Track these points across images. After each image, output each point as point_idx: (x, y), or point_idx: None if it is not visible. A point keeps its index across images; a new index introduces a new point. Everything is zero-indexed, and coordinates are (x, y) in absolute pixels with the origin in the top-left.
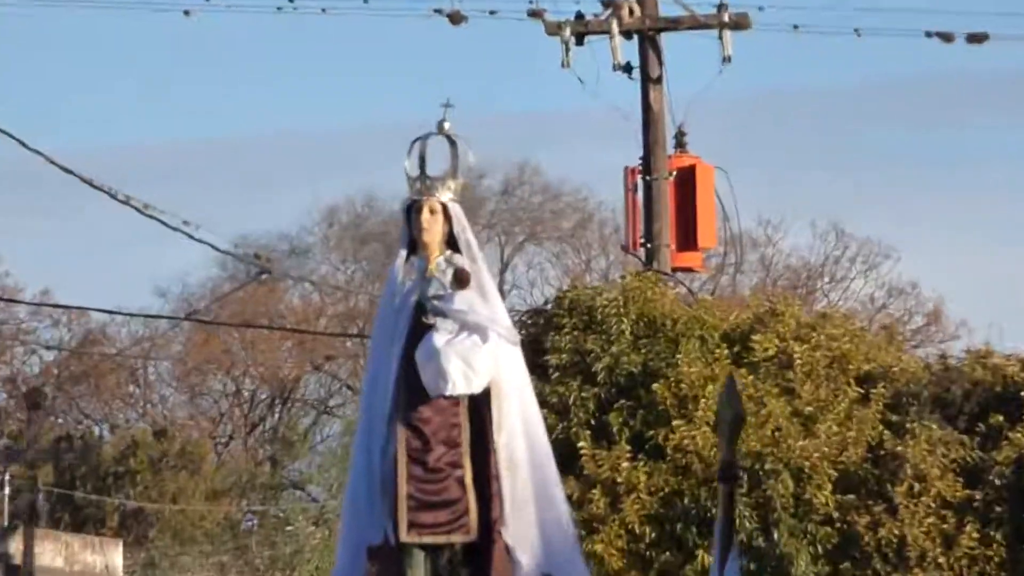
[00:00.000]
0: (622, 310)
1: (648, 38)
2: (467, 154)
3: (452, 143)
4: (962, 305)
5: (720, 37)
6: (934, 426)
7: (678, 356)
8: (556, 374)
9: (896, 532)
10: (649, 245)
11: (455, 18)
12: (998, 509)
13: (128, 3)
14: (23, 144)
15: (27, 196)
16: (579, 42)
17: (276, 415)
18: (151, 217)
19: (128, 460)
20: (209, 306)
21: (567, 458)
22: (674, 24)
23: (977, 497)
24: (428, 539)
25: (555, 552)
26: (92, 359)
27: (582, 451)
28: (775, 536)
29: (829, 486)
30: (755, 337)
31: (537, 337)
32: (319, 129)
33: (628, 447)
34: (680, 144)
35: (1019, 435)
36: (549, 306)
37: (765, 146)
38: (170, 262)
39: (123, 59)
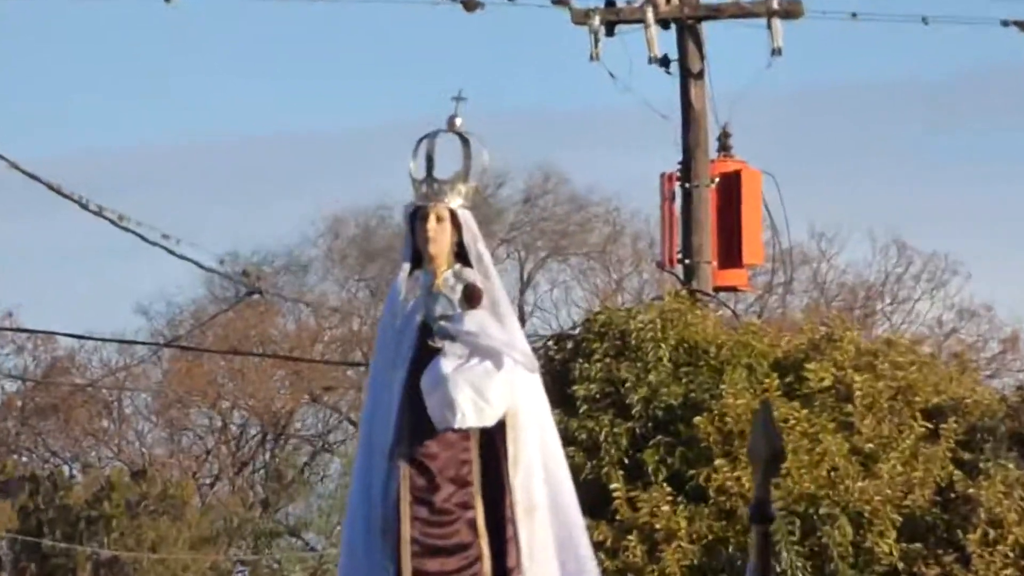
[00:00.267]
0: (659, 335)
1: (688, 27)
2: (481, 154)
3: (464, 141)
4: None
5: (768, 26)
6: (1011, 465)
7: (722, 386)
8: (585, 407)
9: None
10: (688, 261)
11: (469, 5)
12: None
13: None
14: None
15: None
16: (610, 32)
17: (268, 453)
18: (127, 230)
19: (102, 503)
20: (192, 330)
21: (598, 501)
22: (717, 12)
23: None
24: None
25: None
26: (60, 390)
27: (615, 493)
28: None
29: (893, 533)
30: (809, 365)
31: (563, 366)
32: (320, 130)
33: (666, 489)
34: (724, 147)
35: None
36: (576, 331)
37: (818, 149)
38: (149, 281)
39: (93, 52)
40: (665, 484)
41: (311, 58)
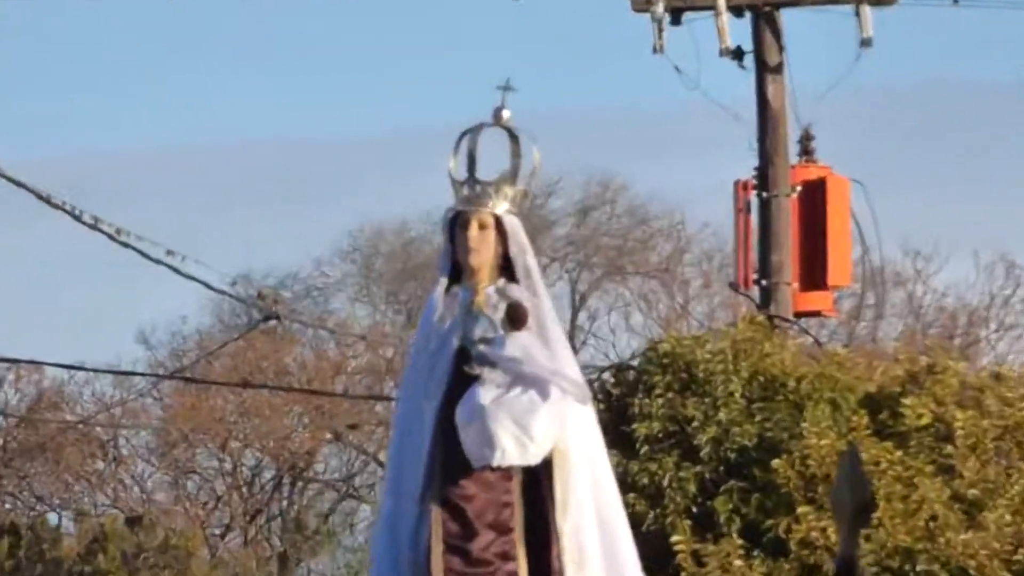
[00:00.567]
0: (731, 366)
1: (765, 15)
2: (532, 152)
3: (513, 137)
4: None
5: (857, 13)
6: None
7: (803, 425)
8: (646, 448)
9: None
10: (766, 282)
11: None
12: None
13: None
14: None
15: None
16: (675, 20)
17: (285, 499)
18: (126, 245)
19: (95, 556)
20: (198, 360)
21: (661, 554)
22: None
23: None
24: None
25: None
26: (47, 428)
27: (678, 546)
28: None
29: None
30: (905, 401)
31: (621, 401)
32: (344, 134)
33: (740, 541)
34: (806, 150)
35: None
36: (636, 361)
37: (913, 153)
38: (149, 304)
39: (88, 49)
40: (738, 536)
41: (334, 52)
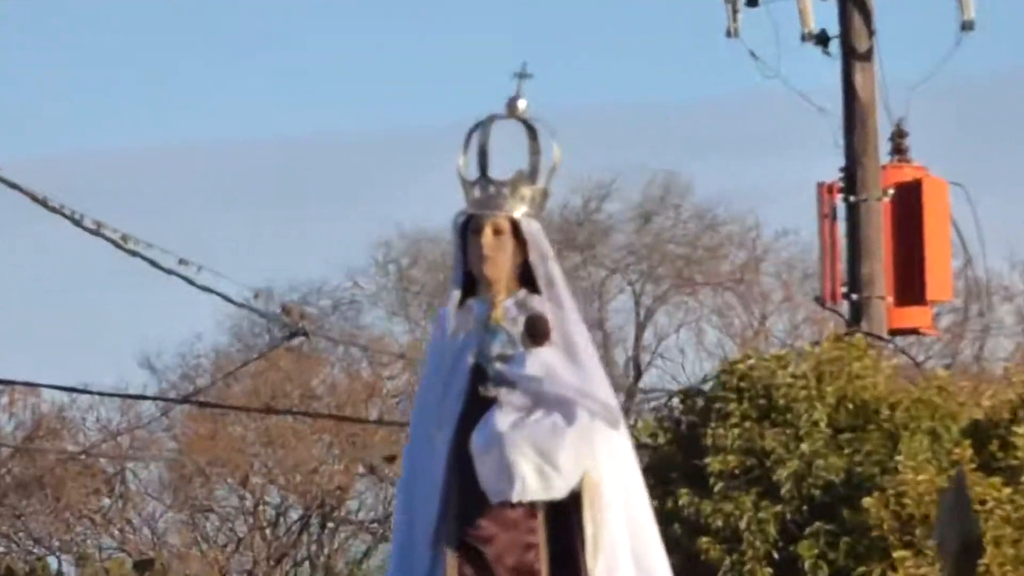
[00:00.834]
0: (815, 391)
1: None
2: (552, 147)
3: (530, 130)
4: None
5: None
6: None
7: (898, 458)
8: (720, 485)
9: None
10: (856, 296)
11: None
12: None
13: None
14: None
15: None
16: (752, 1)
17: (314, 542)
18: (133, 253)
19: None
20: (215, 383)
21: None
22: None
23: None
24: None
25: None
26: (45, 459)
27: None
28: None
29: None
30: (1017, 430)
31: (692, 431)
32: (370, 130)
33: None
34: (898, 149)
35: None
36: (708, 386)
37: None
38: (159, 319)
39: (89, 41)
40: None
41: (365, 39)
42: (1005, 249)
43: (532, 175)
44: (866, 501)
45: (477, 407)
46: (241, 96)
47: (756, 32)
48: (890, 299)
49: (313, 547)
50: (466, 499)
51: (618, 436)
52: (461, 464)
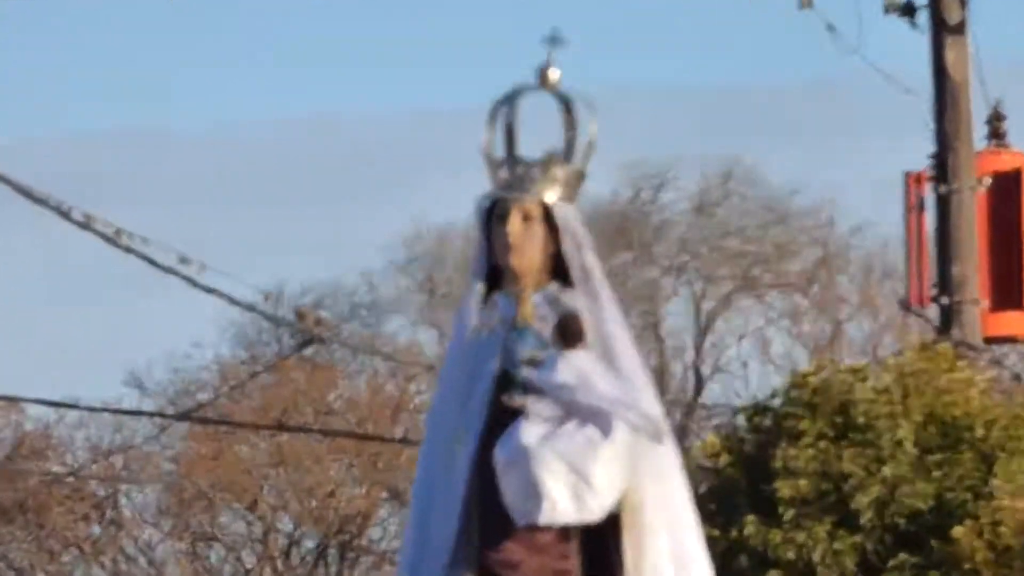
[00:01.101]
0: (899, 407)
1: None
2: (588, 123)
3: (564, 104)
4: None
5: None
6: None
7: (993, 482)
8: (792, 513)
9: None
10: (946, 300)
11: None
12: None
13: None
14: None
15: None
16: None
17: (332, 572)
18: (128, 250)
19: None
20: (218, 397)
21: None
22: None
23: None
24: None
25: None
26: (28, 481)
27: None
28: None
29: None
30: None
31: (759, 451)
32: (386, 112)
33: None
34: (996, 133)
35: None
36: (777, 400)
37: None
38: (157, 324)
39: (89, 42)
40: None
41: (383, 18)
42: None
43: (567, 154)
44: (957, 531)
45: (502, 417)
46: (242, 82)
47: (833, 3)
48: (985, 303)
49: None
50: (490, 519)
51: (663, 452)
52: (484, 480)
